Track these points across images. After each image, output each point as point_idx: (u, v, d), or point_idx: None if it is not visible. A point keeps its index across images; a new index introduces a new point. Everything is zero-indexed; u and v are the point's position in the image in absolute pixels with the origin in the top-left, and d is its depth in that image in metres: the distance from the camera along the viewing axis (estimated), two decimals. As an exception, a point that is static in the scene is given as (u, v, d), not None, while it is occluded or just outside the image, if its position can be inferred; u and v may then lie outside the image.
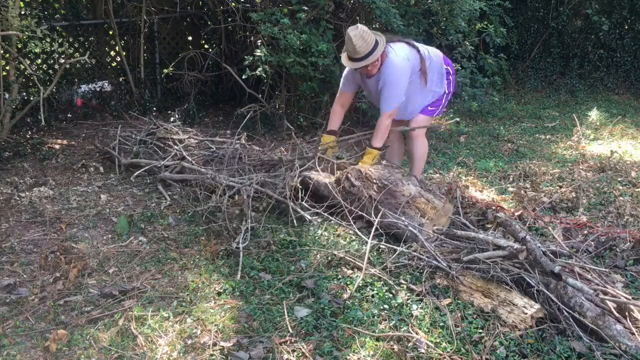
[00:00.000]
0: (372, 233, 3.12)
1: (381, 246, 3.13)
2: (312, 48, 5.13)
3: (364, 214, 3.38)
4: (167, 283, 2.88)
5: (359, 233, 3.26)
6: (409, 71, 3.61)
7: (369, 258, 3.06)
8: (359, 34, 3.40)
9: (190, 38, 7.19)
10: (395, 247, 3.12)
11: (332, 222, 3.46)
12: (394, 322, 2.54)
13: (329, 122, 4.00)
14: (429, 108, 3.90)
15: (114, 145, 4.67)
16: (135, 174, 4.20)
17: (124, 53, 6.50)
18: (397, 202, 3.35)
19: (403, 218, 3.23)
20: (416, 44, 3.78)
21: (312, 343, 2.38)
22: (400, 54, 3.61)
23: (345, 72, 3.88)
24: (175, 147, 4.46)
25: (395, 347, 2.35)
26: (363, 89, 4.00)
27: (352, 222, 3.35)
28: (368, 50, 3.42)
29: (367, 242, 3.20)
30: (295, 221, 3.41)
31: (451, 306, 2.63)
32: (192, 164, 4.11)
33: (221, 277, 2.92)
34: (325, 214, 3.47)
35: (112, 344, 2.37)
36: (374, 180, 3.48)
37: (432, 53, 3.85)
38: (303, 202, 3.54)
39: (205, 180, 3.83)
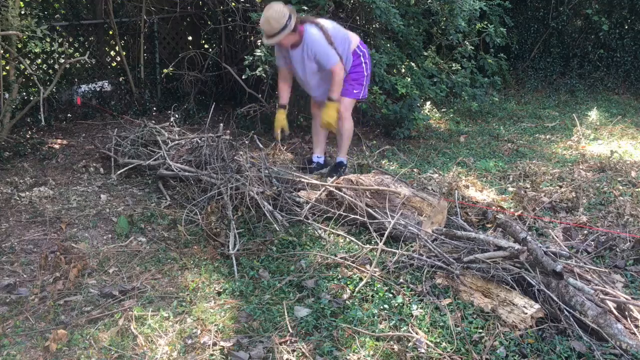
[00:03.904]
0: (384, 236, 3.12)
1: (381, 247, 3.13)
2: (312, 48, 5.12)
3: (359, 218, 3.38)
4: (167, 283, 2.88)
5: (359, 243, 3.26)
6: (325, 39, 4.09)
7: (369, 259, 3.06)
8: (271, 15, 3.87)
9: (190, 38, 7.17)
10: (395, 247, 3.12)
11: (331, 222, 3.47)
12: (394, 322, 2.54)
13: (279, 97, 4.45)
14: (355, 91, 4.33)
15: (109, 147, 4.67)
16: (118, 172, 4.25)
17: (124, 53, 6.49)
18: (393, 204, 3.37)
19: (402, 220, 3.24)
20: (322, 23, 4.16)
21: (312, 343, 2.38)
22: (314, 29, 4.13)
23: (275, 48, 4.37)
24: (164, 147, 4.42)
25: (395, 347, 2.35)
26: (290, 61, 4.29)
27: (347, 237, 3.35)
28: (279, 28, 3.89)
29: (365, 243, 3.20)
30: (283, 223, 3.41)
31: (451, 306, 2.64)
32: (175, 164, 4.06)
33: (221, 277, 2.92)
34: (308, 221, 3.48)
35: (112, 344, 2.37)
36: (366, 187, 3.51)
37: (341, 32, 4.22)
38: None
39: (200, 177, 3.81)
